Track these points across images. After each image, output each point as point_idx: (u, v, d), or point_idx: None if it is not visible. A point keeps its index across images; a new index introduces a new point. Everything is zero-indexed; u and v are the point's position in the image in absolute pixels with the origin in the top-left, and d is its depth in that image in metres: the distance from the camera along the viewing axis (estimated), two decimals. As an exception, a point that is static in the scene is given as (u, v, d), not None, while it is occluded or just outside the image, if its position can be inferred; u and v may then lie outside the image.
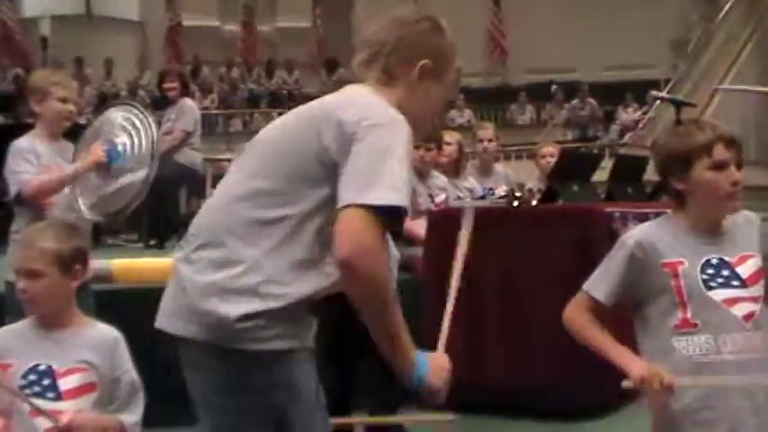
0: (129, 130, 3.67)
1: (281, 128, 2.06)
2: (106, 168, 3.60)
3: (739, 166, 2.24)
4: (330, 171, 1.89)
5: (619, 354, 2.23)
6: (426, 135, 5.39)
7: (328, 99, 2.05)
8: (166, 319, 1.96)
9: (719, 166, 2.22)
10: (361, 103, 1.96)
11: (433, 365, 1.95)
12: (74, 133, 3.87)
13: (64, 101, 3.60)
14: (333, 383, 3.76)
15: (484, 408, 4.20)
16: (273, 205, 1.90)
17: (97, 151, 3.58)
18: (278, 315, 1.86)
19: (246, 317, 1.84)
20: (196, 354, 1.91)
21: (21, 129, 3.98)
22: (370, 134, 1.87)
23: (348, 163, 1.86)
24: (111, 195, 3.63)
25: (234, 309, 1.84)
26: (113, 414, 2.36)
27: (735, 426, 2.18)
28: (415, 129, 1.95)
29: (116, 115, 3.76)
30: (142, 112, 3.77)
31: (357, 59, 2.08)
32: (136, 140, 3.65)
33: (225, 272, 1.87)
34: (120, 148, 3.63)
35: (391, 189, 1.83)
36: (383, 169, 1.84)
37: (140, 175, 3.66)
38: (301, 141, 1.94)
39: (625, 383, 2.17)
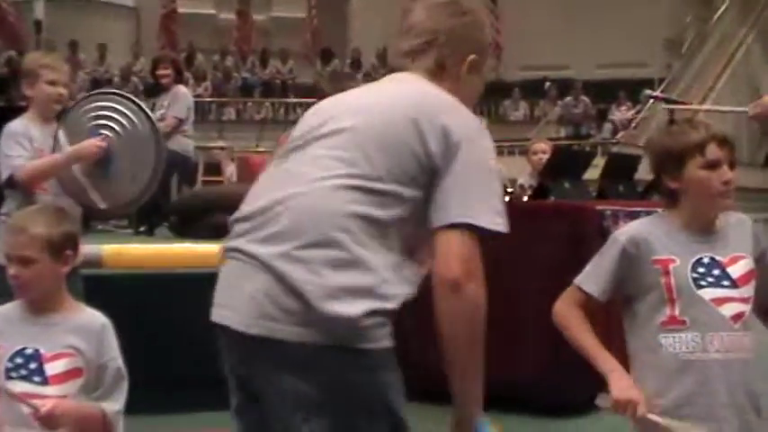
0: (134, 147, 3.62)
1: (374, 116, 1.90)
2: (96, 165, 3.58)
3: (732, 166, 2.26)
4: (429, 176, 1.84)
5: (605, 363, 2.24)
6: None
7: (415, 93, 1.95)
8: (261, 322, 1.80)
9: (712, 165, 2.23)
10: (457, 109, 1.92)
11: None
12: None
13: (53, 84, 3.57)
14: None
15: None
16: (378, 204, 1.82)
17: (94, 147, 3.55)
18: (391, 314, 1.82)
19: (369, 315, 1.77)
20: (305, 357, 1.78)
21: (14, 111, 3.96)
22: (472, 147, 1.85)
23: (452, 174, 1.82)
24: (81, 187, 3.62)
25: (358, 308, 1.76)
26: (97, 401, 2.34)
27: (720, 424, 2.19)
28: None
29: (121, 109, 3.70)
30: (123, 96, 3.73)
31: (405, 47, 2.00)
32: (139, 168, 3.63)
33: (345, 273, 1.78)
34: (115, 162, 3.59)
35: (499, 213, 1.86)
36: (490, 190, 1.85)
37: (101, 207, 3.67)
38: (403, 139, 1.85)
39: (599, 402, 2.20)
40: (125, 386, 2.40)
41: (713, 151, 2.23)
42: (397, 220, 1.83)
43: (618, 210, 4.56)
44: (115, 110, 3.66)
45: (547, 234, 4.35)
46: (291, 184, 1.87)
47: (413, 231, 1.86)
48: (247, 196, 1.95)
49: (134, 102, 3.74)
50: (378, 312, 1.78)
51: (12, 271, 2.34)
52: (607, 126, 16.49)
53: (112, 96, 3.82)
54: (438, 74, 1.99)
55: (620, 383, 2.19)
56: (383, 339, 1.81)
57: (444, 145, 1.83)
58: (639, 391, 2.18)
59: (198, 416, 4.14)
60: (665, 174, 2.29)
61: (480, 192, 1.84)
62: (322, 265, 1.78)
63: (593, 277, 2.31)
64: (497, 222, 1.85)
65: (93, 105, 3.72)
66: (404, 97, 1.94)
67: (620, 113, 16.39)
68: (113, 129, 3.62)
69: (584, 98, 16.62)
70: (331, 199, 1.82)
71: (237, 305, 1.84)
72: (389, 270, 1.81)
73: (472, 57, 2.01)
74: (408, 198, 1.84)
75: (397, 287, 1.82)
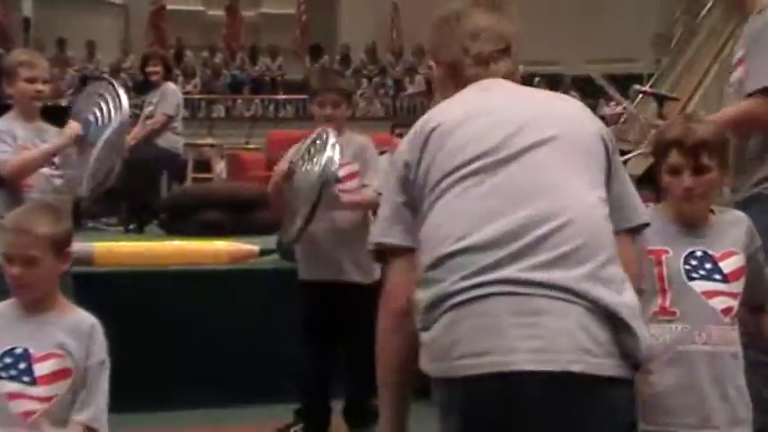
0: (99, 103, 3.67)
1: (570, 127, 1.76)
2: (83, 141, 3.59)
3: (699, 171, 2.24)
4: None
5: None
6: None
7: (562, 102, 1.89)
8: (580, 357, 1.56)
9: (673, 171, 2.26)
10: None
11: None
12: (54, 115, 3.85)
13: (31, 81, 3.58)
14: (311, 368, 3.77)
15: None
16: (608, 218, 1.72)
17: (73, 125, 3.59)
18: None
19: None
20: (613, 394, 1.61)
21: (3, 109, 3.95)
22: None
23: (620, 179, 1.80)
24: (95, 167, 3.64)
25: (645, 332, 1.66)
26: (82, 405, 2.32)
27: (707, 415, 2.20)
28: None
29: (89, 90, 3.82)
30: (111, 84, 3.78)
31: (479, 51, 1.83)
32: (105, 109, 3.65)
33: (629, 292, 1.65)
34: (91, 118, 3.64)
35: None
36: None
37: (107, 133, 3.65)
38: (598, 152, 1.76)
39: None
40: (106, 375, 2.37)
41: (674, 157, 2.25)
42: None
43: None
44: (101, 96, 3.70)
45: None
46: (538, 198, 1.65)
47: None
48: (450, 227, 1.66)
49: (109, 81, 3.81)
50: None
51: (15, 271, 2.31)
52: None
53: (95, 81, 3.86)
54: (513, 81, 1.88)
55: None
56: None
57: (614, 155, 1.79)
58: None
59: (187, 414, 4.14)
60: (656, 168, 2.33)
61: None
62: (620, 284, 1.63)
63: None
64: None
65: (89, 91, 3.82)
66: (564, 107, 1.84)
67: (608, 109, 16.43)
68: (91, 107, 3.68)
69: (574, 93, 16.65)
70: (599, 212, 1.69)
71: (537, 345, 1.56)
72: None
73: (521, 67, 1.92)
74: None
75: None
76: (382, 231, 1.77)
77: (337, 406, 3.85)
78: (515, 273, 1.58)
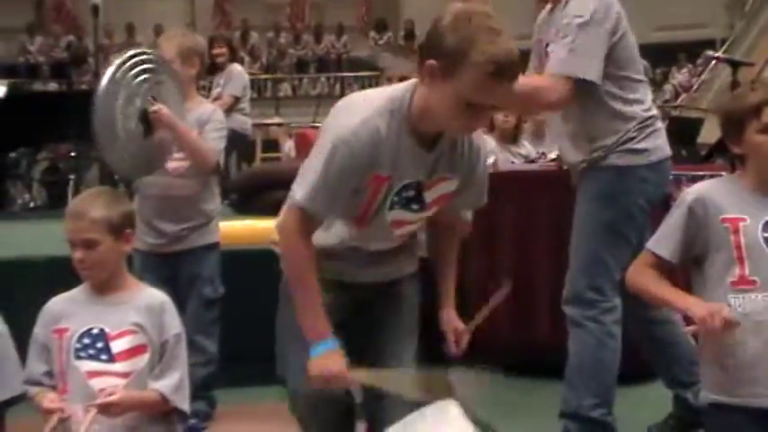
0: None
1: None
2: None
3: None
4: None
5: (682, 299, 2.22)
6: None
7: None
8: None
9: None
10: None
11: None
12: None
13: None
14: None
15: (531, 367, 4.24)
16: None
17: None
18: None
19: None
20: None
21: (74, 95, 4.01)
22: None
23: None
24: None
25: None
26: (156, 378, 2.38)
27: None
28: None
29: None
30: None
31: None
32: None
33: None
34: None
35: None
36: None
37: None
38: None
39: (688, 329, 2.17)
40: (183, 349, 2.43)
41: None
42: None
43: (680, 174, 4.49)
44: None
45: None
46: None
47: None
48: None
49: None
50: None
51: (77, 255, 2.39)
52: (667, 89, 16.18)
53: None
54: None
55: (701, 304, 2.16)
56: None
57: None
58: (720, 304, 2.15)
59: (260, 390, 4.18)
60: (728, 138, 2.25)
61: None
62: None
63: (663, 240, 2.28)
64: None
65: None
66: None
67: (680, 76, 16.05)
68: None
69: (644, 62, 16.29)
70: None
71: None
72: None
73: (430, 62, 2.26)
74: None
75: None
76: None
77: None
78: None
